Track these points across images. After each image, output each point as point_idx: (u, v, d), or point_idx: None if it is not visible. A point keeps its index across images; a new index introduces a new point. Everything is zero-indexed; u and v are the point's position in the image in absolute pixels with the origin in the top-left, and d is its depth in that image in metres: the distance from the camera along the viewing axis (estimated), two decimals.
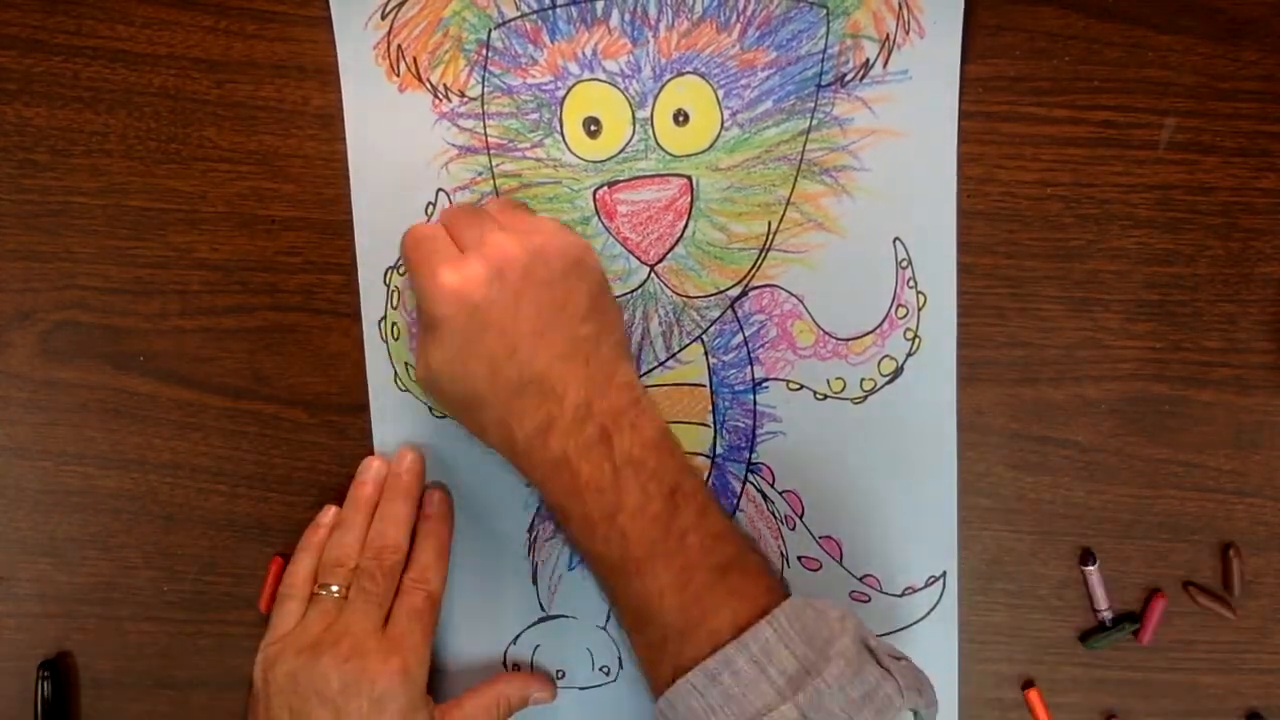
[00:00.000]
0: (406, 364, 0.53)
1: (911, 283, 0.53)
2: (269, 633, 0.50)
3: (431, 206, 0.52)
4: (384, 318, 0.53)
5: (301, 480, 0.55)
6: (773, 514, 0.54)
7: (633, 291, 0.53)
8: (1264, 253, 0.53)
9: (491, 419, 0.47)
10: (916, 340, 0.53)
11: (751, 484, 0.54)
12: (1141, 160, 0.53)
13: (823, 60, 0.51)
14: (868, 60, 0.51)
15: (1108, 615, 0.55)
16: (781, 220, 0.53)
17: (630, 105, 0.52)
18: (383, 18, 0.51)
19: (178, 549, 0.55)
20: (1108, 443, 0.55)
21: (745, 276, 0.53)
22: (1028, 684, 0.56)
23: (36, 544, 0.55)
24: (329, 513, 0.53)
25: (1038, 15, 0.52)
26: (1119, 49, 0.52)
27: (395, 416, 0.54)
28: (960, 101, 0.52)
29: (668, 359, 0.54)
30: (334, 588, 0.50)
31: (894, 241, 0.52)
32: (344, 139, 0.52)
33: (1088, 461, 0.55)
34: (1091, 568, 0.55)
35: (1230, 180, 0.53)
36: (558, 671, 0.55)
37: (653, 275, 0.53)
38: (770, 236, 0.53)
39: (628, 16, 0.51)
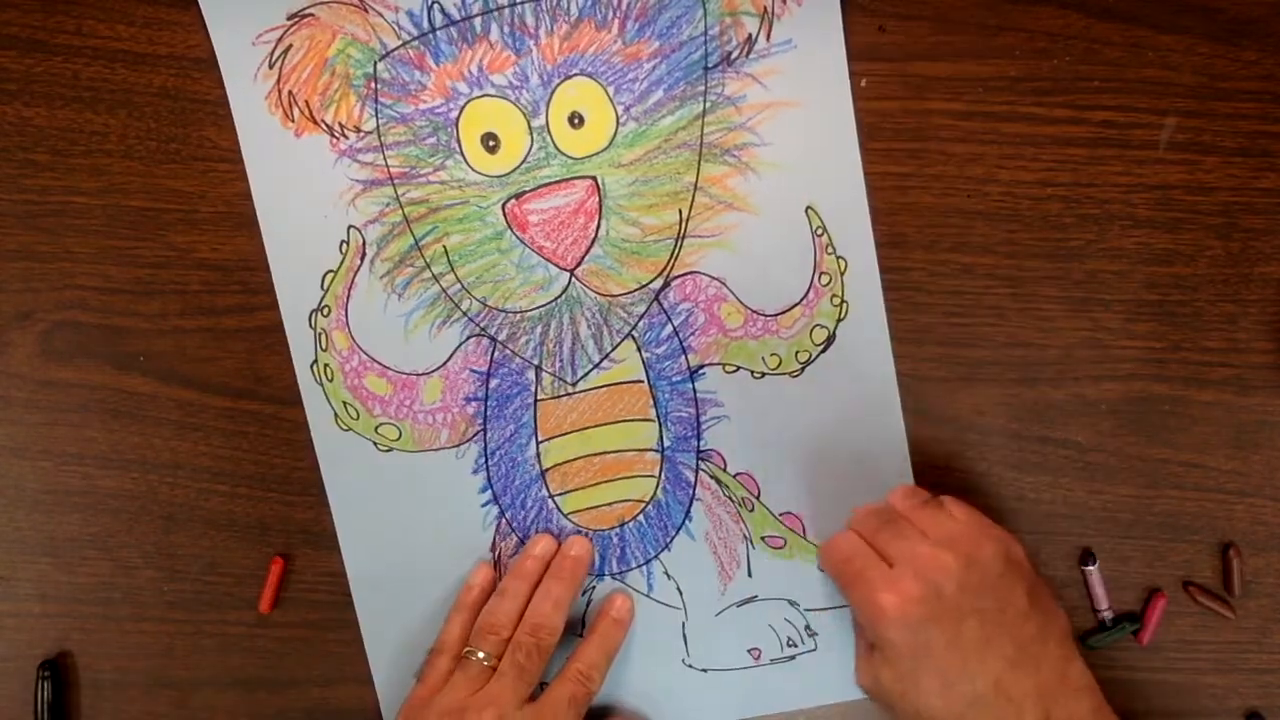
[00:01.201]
0: (345, 403, 0.53)
1: (830, 249, 0.53)
2: (418, 685, 0.51)
3: (345, 245, 0.53)
4: (315, 361, 0.53)
5: (301, 480, 0.55)
6: (730, 499, 0.55)
7: (555, 299, 0.53)
8: (1264, 253, 0.53)
9: None
10: (844, 305, 0.53)
11: (704, 471, 0.54)
12: (1141, 160, 0.53)
13: (706, 42, 0.52)
14: (750, 35, 0.52)
15: (1108, 615, 0.55)
16: (692, 206, 0.53)
17: (524, 115, 0.52)
18: (270, 67, 0.51)
19: (178, 549, 0.55)
20: (1108, 443, 0.55)
21: (665, 267, 0.53)
22: None
23: (36, 544, 0.55)
24: (480, 572, 0.54)
25: (1038, 15, 0.52)
26: (1119, 49, 0.52)
27: (341, 456, 0.54)
28: (850, 62, 0.52)
29: (601, 360, 0.54)
30: (482, 654, 0.50)
31: (806, 211, 0.53)
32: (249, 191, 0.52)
33: (1088, 461, 0.55)
34: (1091, 568, 0.55)
35: (1230, 180, 0.53)
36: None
37: (574, 280, 0.53)
38: (683, 224, 0.53)
39: (507, 28, 0.51)
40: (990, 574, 0.46)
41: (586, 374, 0.54)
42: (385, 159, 0.52)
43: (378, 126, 0.52)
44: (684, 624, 0.55)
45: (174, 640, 0.56)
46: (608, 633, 0.53)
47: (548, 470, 0.54)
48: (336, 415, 0.54)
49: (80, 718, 0.56)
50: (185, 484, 0.55)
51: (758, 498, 0.55)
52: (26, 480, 0.55)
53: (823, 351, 0.54)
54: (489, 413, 0.54)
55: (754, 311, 0.54)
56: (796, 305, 0.54)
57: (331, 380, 0.53)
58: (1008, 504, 0.55)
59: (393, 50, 0.52)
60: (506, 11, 0.51)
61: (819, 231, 0.53)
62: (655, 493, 0.55)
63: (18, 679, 0.55)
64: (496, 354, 0.54)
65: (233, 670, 0.56)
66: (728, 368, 0.54)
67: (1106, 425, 0.55)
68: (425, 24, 0.51)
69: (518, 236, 0.53)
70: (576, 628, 0.55)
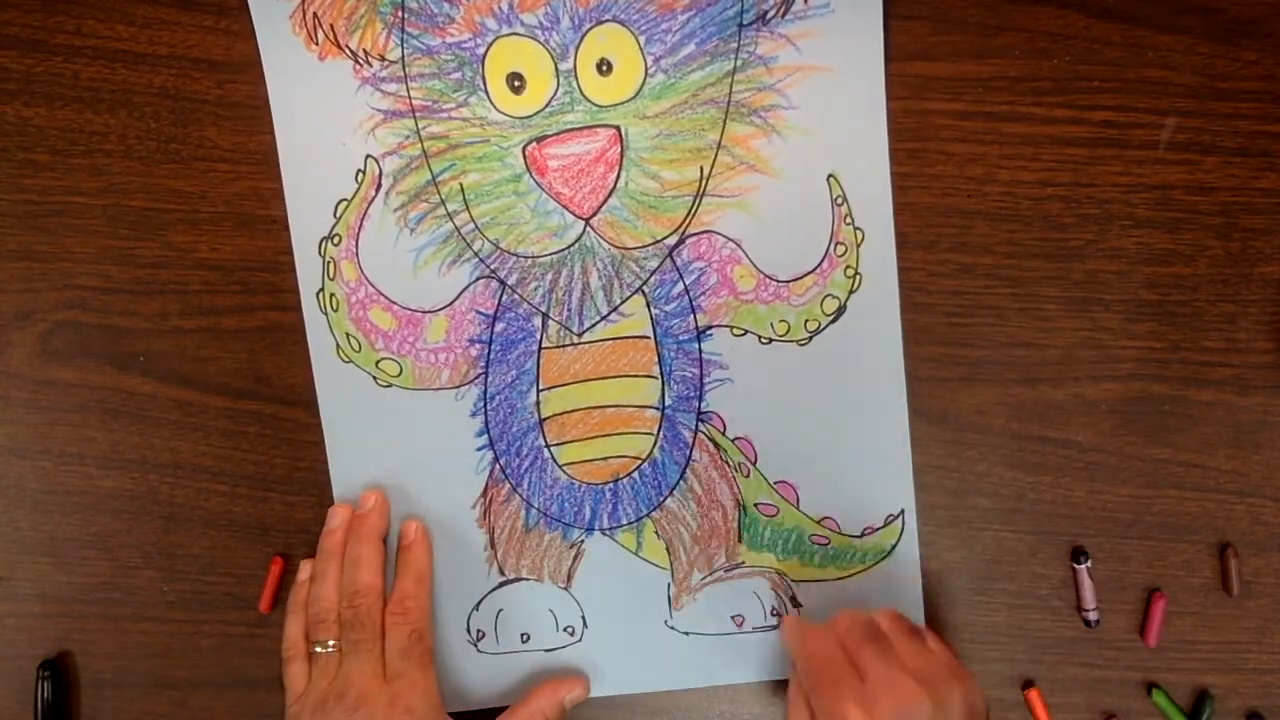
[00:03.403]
0: (347, 334, 0.53)
1: (848, 219, 0.53)
2: (287, 697, 0.51)
3: (361, 174, 0.52)
4: (321, 289, 0.53)
5: (301, 480, 0.55)
6: (726, 462, 0.54)
7: (569, 246, 0.53)
8: (1264, 253, 0.53)
9: None
10: (857, 277, 0.53)
11: (703, 433, 0.54)
12: (1141, 160, 0.53)
13: None
14: None
15: (1092, 615, 0.55)
16: (713, 165, 0.52)
17: (552, 58, 0.52)
18: None
19: (178, 549, 0.55)
20: (1108, 443, 0.55)
21: (681, 224, 0.53)
22: (1028, 684, 0.56)
23: (36, 544, 0.55)
24: (306, 569, 0.54)
25: (1038, 15, 0.52)
26: (1119, 49, 0.52)
27: (339, 388, 0.54)
28: (887, 33, 0.51)
29: (610, 313, 0.53)
30: (329, 643, 0.51)
31: (828, 179, 0.52)
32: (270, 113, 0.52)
33: (1088, 461, 0.55)
34: (1081, 565, 0.55)
35: (1230, 180, 0.53)
36: (522, 635, 0.55)
37: (588, 229, 0.53)
38: (703, 182, 0.53)
39: None
40: (953, 719, 0.46)
41: (593, 325, 0.54)
42: (408, 90, 0.52)
43: (403, 56, 0.52)
44: (669, 585, 0.55)
45: (174, 640, 0.56)
46: (411, 560, 0.53)
47: (546, 419, 0.54)
48: (338, 346, 0.53)
49: (80, 718, 0.56)
50: (185, 484, 0.55)
51: (754, 464, 0.54)
52: (26, 480, 0.55)
53: (832, 322, 0.53)
54: (492, 356, 0.54)
55: (767, 276, 0.53)
56: (810, 273, 0.53)
57: (336, 310, 0.53)
58: (1008, 504, 0.55)
59: None
60: None
61: (839, 201, 0.53)
62: (652, 451, 0.54)
63: (18, 679, 0.55)
64: (504, 298, 0.53)
65: (233, 670, 0.56)
66: (735, 331, 0.54)
67: (1106, 425, 0.55)
68: None
69: (536, 180, 0.53)
70: (559, 579, 0.55)
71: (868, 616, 0.50)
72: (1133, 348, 0.54)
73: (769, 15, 0.51)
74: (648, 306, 0.54)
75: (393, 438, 0.54)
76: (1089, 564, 0.55)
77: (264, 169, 0.53)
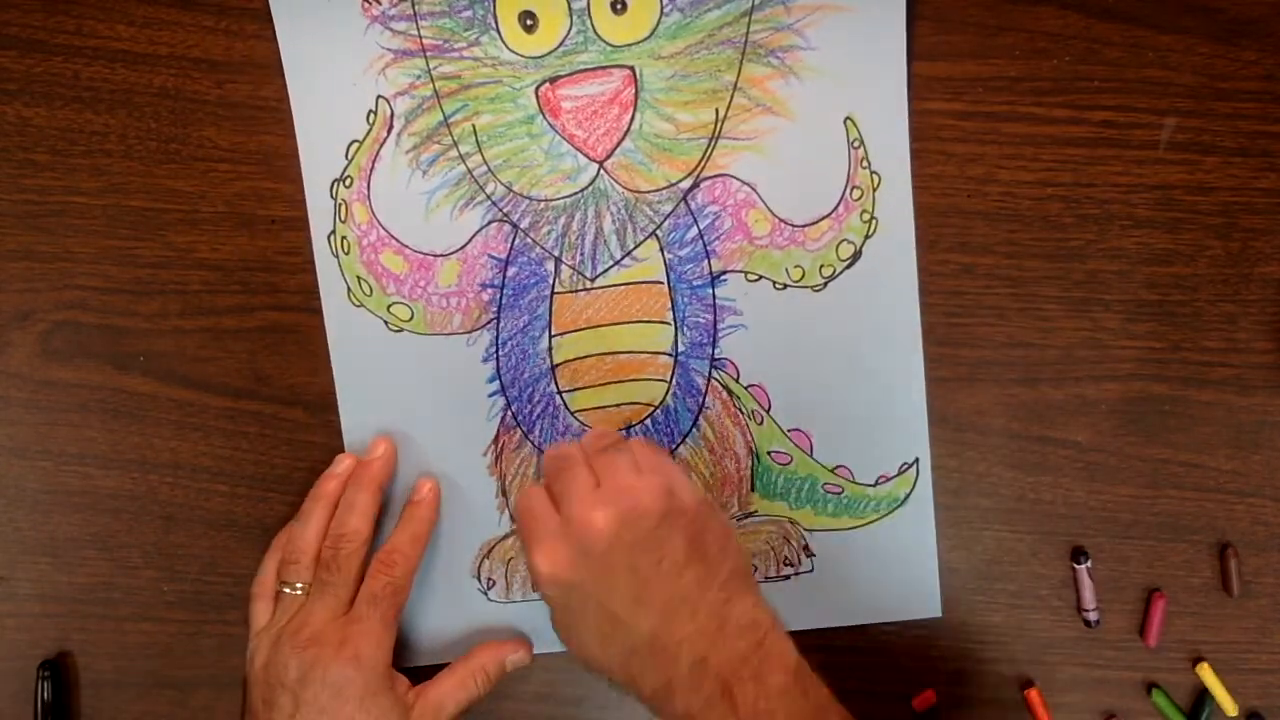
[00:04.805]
0: (359, 278, 0.53)
1: (864, 163, 0.52)
2: (250, 631, 0.51)
3: (373, 115, 0.51)
4: (333, 232, 0.52)
5: (301, 480, 0.55)
6: (739, 410, 0.54)
7: (582, 190, 0.52)
8: (1264, 253, 0.53)
9: (616, 679, 0.46)
10: (873, 222, 0.53)
11: (716, 380, 0.54)
12: (1141, 160, 0.53)
13: None
14: None
15: (1092, 615, 0.55)
16: (729, 107, 0.52)
17: None
18: None
19: (178, 549, 0.55)
20: (1108, 443, 0.55)
21: (696, 167, 0.52)
22: (1027, 684, 0.56)
23: (36, 544, 0.55)
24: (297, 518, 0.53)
25: (1038, 15, 0.52)
26: (1119, 49, 0.52)
27: (350, 332, 0.53)
28: None
29: (623, 257, 0.53)
30: (297, 586, 0.50)
31: (845, 121, 0.52)
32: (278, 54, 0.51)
33: (1088, 461, 0.55)
34: (1081, 566, 0.55)
35: (1230, 180, 0.53)
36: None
37: (602, 172, 0.52)
38: (719, 124, 0.52)
39: None
40: (643, 529, 0.45)
41: (606, 270, 0.53)
42: (418, 29, 0.51)
43: None
44: None
45: (174, 640, 0.56)
46: (415, 517, 0.53)
47: (558, 365, 0.54)
48: (350, 290, 0.53)
49: (80, 718, 0.56)
50: (185, 484, 0.55)
51: (768, 411, 0.54)
52: (26, 480, 0.55)
53: (847, 267, 0.53)
54: (504, 301, 0.53)
55: (782, 220, 0.53)
56: (825, 218, 0.53)
57: (348, 253, 0.53)
58: (1007, 504, 0.55)
59: None
60: None
61: (856, 144, 0.52)
62: (665, 398, 0.54)
63: (18, 679, 0.55)
64: (517, 241, 0.53)
65: (233, 670, 0.56)
66: (750, 276, 0.53)
67: (1106, 425, 0.55)
68: None
69: (549, 122, 0.52)
70: None
71: (614, 432, 0.51)
72: (1133, 348, 0.54)
73: None
74: (661, 251, 0.53)
75: (404, 383, 0.53)
76: (1089, 564, 0.55)
77: (264, 169, 0.53)
